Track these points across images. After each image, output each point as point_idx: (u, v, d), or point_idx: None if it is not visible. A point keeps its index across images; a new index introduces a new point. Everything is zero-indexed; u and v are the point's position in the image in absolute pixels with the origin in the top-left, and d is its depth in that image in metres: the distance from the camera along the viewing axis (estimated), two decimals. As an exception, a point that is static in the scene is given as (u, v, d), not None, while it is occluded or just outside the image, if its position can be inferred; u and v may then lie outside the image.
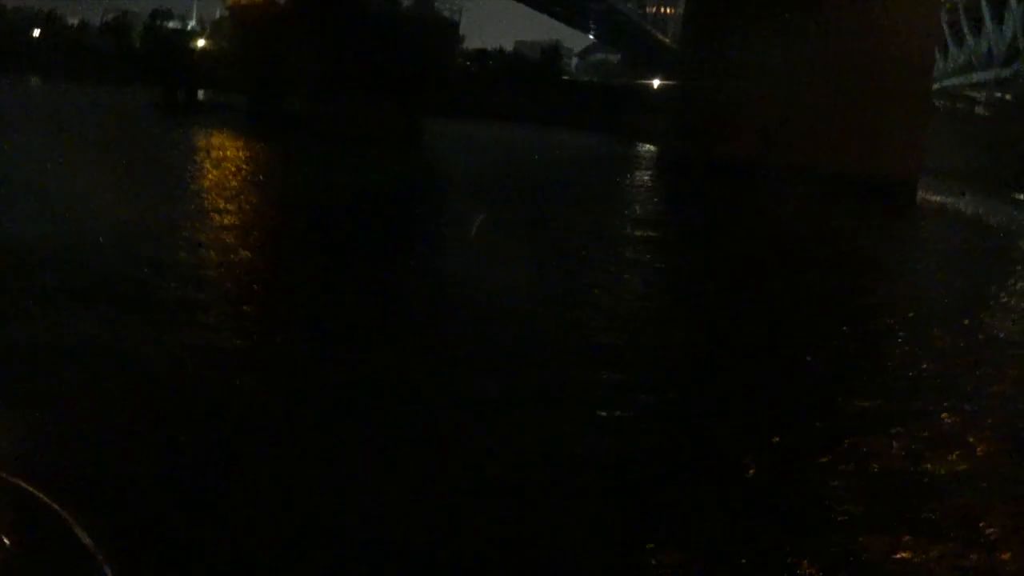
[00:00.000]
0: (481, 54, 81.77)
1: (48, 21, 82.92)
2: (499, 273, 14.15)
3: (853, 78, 40.35)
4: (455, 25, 55.27)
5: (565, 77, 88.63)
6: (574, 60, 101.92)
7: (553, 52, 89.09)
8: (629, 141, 66.80)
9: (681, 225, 27.00)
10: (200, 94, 52.85)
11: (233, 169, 28.55)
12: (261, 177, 27.91)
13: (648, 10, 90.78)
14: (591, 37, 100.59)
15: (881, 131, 40.82)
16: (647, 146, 62.47)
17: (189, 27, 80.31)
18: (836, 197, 32.93)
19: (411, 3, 53.32)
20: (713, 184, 37.03)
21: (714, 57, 45.23)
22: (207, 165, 28.96)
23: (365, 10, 50.07)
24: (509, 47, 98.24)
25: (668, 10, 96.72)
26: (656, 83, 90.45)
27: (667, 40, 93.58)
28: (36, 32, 79.88)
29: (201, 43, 76.28)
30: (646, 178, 44.23)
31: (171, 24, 79.88)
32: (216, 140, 37.65)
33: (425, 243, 19.02)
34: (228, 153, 33.21)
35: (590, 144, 63.90)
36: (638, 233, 23.28)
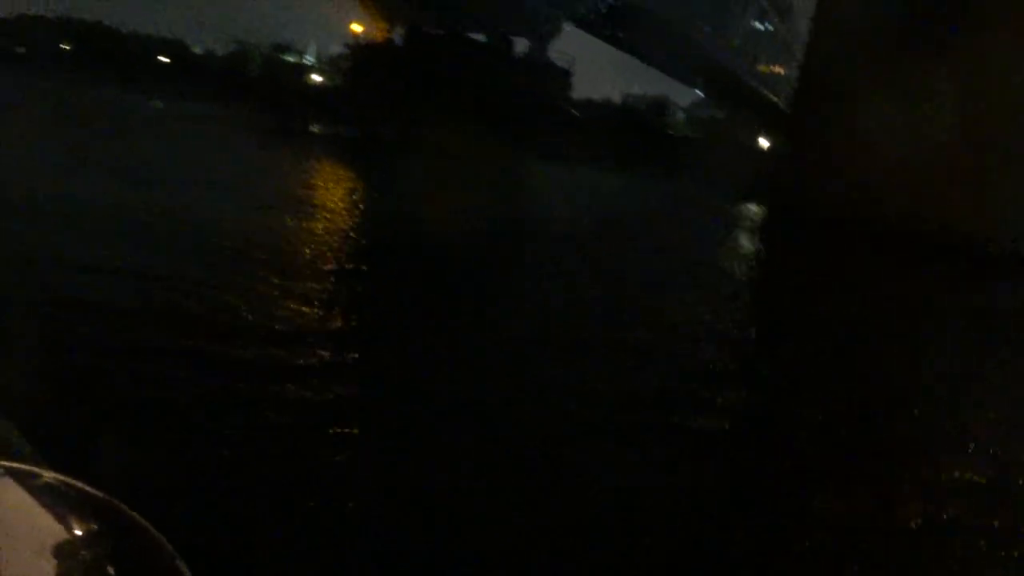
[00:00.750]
0: (589, 104, 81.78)
1: (175, 48, 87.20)
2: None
3: (972, 141, 38.85)
4: (567, 74, 55.35)
5: (670, 132, 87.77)
6: (679, 114, 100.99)
7: (660, 106, 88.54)
8: (732, 197, 65.18)
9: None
10: (313, 125, 54.15)
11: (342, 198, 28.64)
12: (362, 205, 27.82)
13: (759, 68, 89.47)
14: (699, 93, 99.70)
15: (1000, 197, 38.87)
16: (751, 206, 60.88)
17: (304, 60, 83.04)
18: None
19: (525, 49, 53.64)
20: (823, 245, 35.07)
21: (829, 114, 44.04)
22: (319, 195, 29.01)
23: (480, 52, 50.63)
24: (617, 99, 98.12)
25: (779, 69, 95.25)
26: (763, 142, 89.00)
27: (776, 99, 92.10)
28: (164, 59, 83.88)
29: (316, 77, 78.79)
30: (749, 241, 42.00)
31: (289, 57, 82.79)
32: (323, 169, 38.04)
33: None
34: (340, 186, 33.38)
35: (692, 196, 62.59)
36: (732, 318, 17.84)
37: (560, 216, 33.78)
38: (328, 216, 23.70)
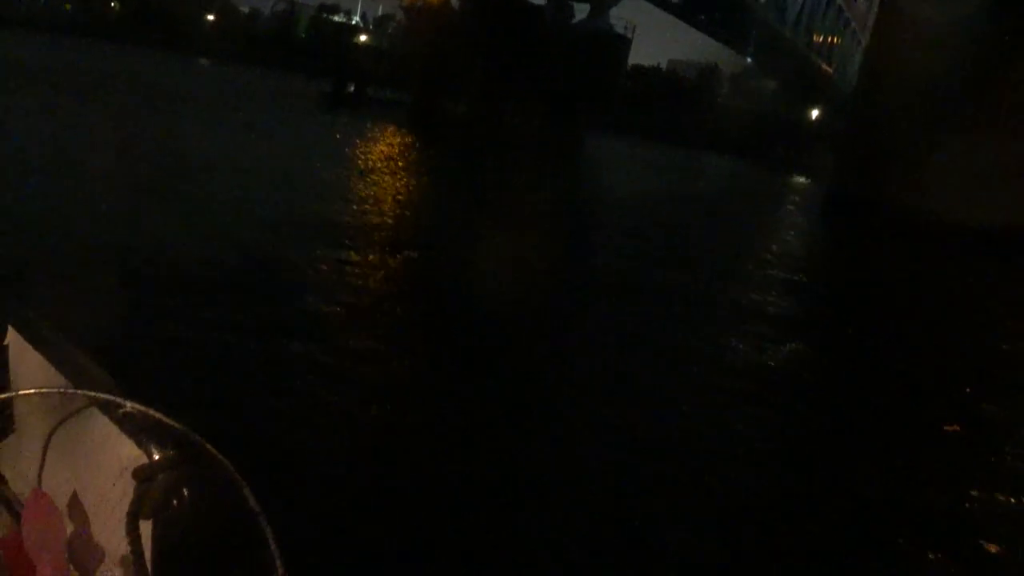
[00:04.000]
0: (637, 71, 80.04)
1: (222, 7, 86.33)
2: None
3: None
4: (627, 42, 53.95)
5: (719, 100, 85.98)
6: (725, 83, 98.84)
7: (709, 74, 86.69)
8: (783, 172, 63.93)
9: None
10: (370, 89, 53.33)
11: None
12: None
13: (816, 38, 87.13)
14: (748, 60, 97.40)
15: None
16: (800, 179, 59.60)
17: (353, 22, 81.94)
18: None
19: (585, 16, 52.24)
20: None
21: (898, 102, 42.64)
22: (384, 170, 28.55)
23: (540, 20, 49.47)
24: (663, 63, 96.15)
25: (834, 39, 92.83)
26: (815, 113, 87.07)
27: (830, 70, 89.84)
28: (210, 17, 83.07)
29: (363, 38, 77.82)
30: (808, 225, 40.96)
31: (337, 18, 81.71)
32: (392, 139, 37.52)
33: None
34: (408, 158, 32.85)
35: (743, 173, 61.43)
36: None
37: (620, 196, 33.14)
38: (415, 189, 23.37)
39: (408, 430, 7.46)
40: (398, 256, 14.65)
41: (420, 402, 8.37)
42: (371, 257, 13.95)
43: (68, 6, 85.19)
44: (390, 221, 17.59)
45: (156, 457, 1.66)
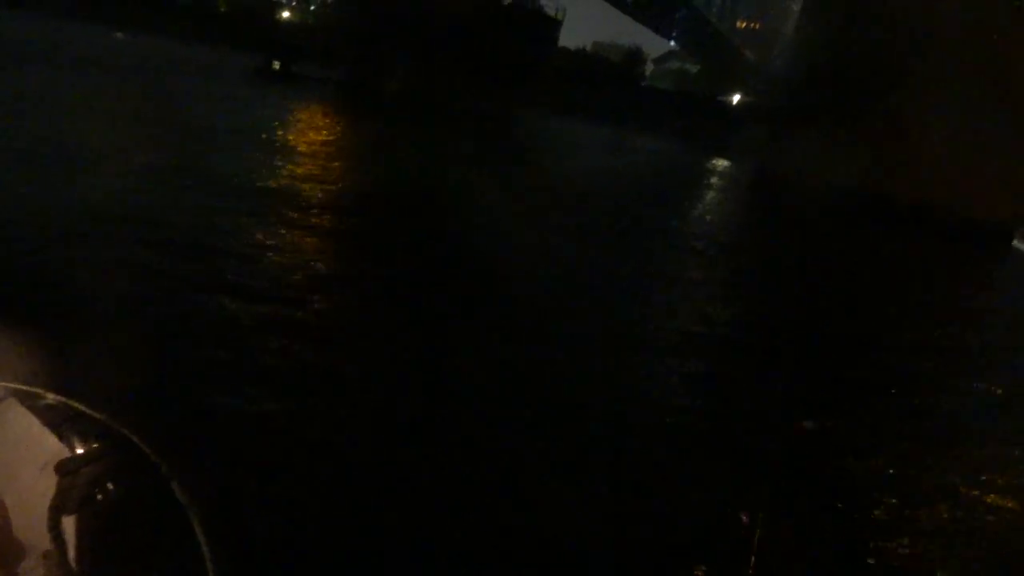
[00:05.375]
0: (564, 53, 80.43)
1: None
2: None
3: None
4: (557, 24, 54.13)
5: (643, 83, 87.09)
6: (649, 65, 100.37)
7: (634, 56, 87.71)
8: (709, 153, 65.31)
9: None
10: (294, 66, 51.92)
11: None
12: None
13: (738, 24, 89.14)
14: (671, 44, 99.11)
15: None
16: (723, 161, 61.08)
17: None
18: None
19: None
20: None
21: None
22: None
23: (471, -2, 49.15)
24: (587, 46, 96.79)
25: (755, 25, 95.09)
26: (736, 97, 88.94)
27: (750, 55, 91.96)
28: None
29: (286, 14, 75.95)
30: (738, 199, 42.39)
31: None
32: (324, 117, 36.82)
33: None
34: (351, 137, 32.29)
35: (669, 152, 62.53)
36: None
37: (563, 173, 33.37)
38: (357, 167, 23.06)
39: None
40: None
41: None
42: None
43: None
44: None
45: (79, 450, 1.61)
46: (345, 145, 27.84)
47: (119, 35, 68.34)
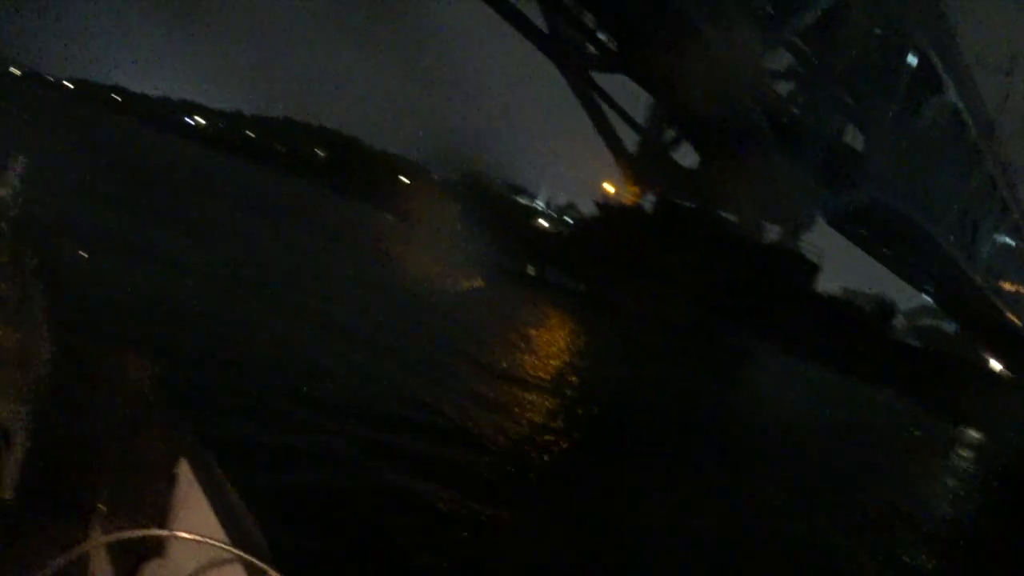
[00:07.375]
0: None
1: (414, 170, 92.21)
2: None
3: None
4: (815, 268, 53.26)
5: (892, 337, 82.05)
6: (901, 318, 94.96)
7: (886, 308, 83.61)
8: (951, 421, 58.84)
9: None
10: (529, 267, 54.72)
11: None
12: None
13: (1002, 284, 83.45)
14: (925, 298, 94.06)
15: None
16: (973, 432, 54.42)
17: (535, 204, 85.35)
18: None
19: (776, 236, 52.09)
20: None
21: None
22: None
23: (730, 232, 49.72)
24: (836, 291, 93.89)
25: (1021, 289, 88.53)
26: (995, 365, 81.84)
27: (1019, 323, 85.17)
28: (404, 179, 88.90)
29: (543, 223, 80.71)
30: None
31: (521, 199, 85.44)
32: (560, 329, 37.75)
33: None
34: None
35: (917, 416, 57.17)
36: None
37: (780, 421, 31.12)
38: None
39: None
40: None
41: None
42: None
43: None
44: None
45: None
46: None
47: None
